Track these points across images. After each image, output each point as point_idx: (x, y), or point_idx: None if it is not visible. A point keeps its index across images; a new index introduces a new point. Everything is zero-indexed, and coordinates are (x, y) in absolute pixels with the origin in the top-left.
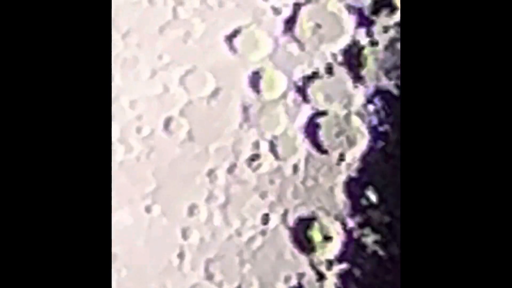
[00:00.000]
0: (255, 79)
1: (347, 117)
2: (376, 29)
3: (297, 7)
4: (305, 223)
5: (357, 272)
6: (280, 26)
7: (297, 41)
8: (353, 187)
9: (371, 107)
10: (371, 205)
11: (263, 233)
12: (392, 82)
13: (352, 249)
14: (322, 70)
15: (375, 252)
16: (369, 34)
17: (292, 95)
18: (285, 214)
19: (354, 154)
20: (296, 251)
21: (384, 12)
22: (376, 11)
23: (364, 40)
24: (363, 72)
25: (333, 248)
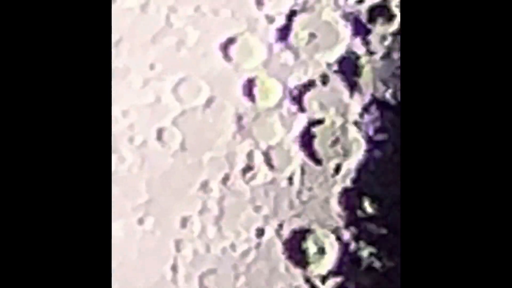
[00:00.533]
0: (249, 88)
1: (343, 126)
2: (373, 38)
3: (291, 15)
4: (300, 235)
5: (352, 286)
6: (274, 34)
7: (292, 49)
8: (349, 199)
9: (367, 117)
10: (368, 217)
11: (257, 246)
12: (389, 92)
13: (348, 262)
14: (317, 79)
15: (371, 266)
16: (365, 43)
17: (287, 104)
18: (279, 227)
19: (350, 164)
20: (290, 264)
21: (381, 20)
22: (372, 19)
23: (360, 49)
24: (360, 81)
25: (328, 261)
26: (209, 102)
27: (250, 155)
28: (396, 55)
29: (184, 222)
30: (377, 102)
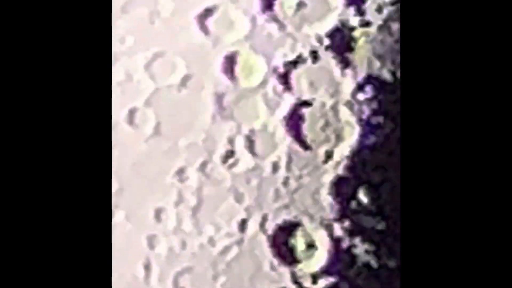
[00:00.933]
0: (230, 65)
1: (335, 107)
2: (369, 7)
3: None
4: (287, 230)
5: (346, 287)
6: (258, 4)
7: (278, 21)
8: (342, 189)
9: (362, 96)
10: (363, 210)
11: (239, 241)
12: (387, 68)
13: (341, 260)
14: (306, 55)
15: (367, 264)
16: (360, 13)
17: (272, 82)
18: (264, 220)
19: (343, 150)
20: (276, 262)
21: None
22: None
23: (354, 20)
24: (354, 57)
25: (319, 259)
26: (185, 80)
27: (231, 139)
28: (395, 27)
29: (158, 214)
30: (373, 80)
